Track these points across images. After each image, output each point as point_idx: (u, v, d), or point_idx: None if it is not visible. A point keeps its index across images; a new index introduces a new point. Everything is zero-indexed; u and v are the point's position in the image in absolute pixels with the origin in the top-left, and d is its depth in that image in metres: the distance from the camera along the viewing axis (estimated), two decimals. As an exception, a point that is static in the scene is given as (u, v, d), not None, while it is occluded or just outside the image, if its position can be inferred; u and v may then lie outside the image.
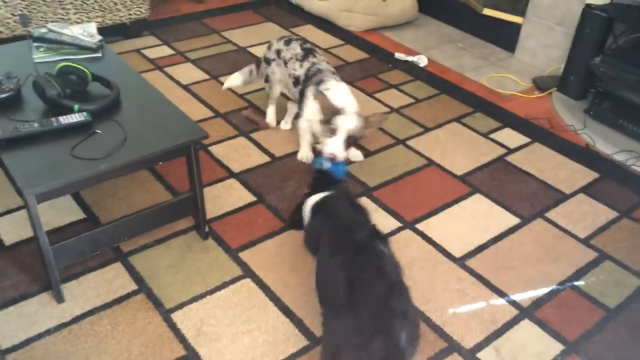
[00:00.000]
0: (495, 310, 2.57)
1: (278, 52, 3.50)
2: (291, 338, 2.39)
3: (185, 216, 2.85)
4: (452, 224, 3.04)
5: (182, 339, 2.37)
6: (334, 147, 2.91)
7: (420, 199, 3.19)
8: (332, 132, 2.92)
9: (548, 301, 2.62)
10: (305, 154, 3.41)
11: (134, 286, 2.58)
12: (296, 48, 3.43)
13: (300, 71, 3.34)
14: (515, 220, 3.08)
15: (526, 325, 2.51)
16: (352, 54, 4.80)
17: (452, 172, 3.42)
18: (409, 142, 3.68)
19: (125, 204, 3.00)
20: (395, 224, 3.01)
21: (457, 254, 2.85)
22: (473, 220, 3.07)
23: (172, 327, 2.41)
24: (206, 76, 4.31)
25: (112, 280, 2.60)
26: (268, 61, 3.57)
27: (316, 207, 2.53)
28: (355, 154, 3.44)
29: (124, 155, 2.35)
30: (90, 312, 2.45)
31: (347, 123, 2.92)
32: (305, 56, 3.37)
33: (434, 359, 2.34)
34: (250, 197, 3.14)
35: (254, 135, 3.66)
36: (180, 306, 2.51)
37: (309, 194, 2.62)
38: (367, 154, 3.53)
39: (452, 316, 2.53)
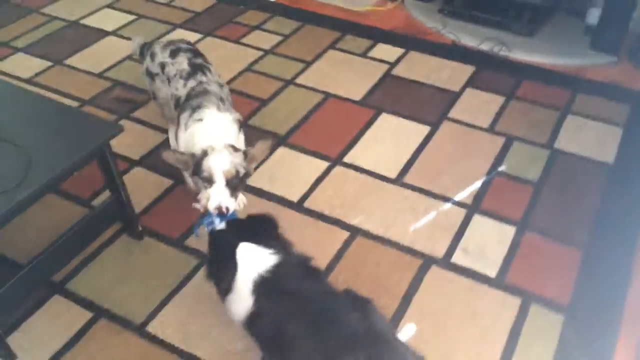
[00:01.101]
0: (447, 215, 2.71)
1: (162, 66, 2.70)
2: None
3: (114, 222, 2.54)
4: (374, 149, 3.08)
5: (172, 349, 2.17)
6: (217, 197, 2.17)
7: (334, 134, 3.18)
8: (208, 180, 2.20)
9: (485, 192, 2.82)
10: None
11: (88, 314, 2.28)
12: (183, 62, 2.65)
13: (182, 91, 2.57)
14: (426, 128, 3.22)
15: (478, 219, 2.69)
16: (197, 2, 4.47)
17: (351, 99, 3.44)
18: (297, 81, 3.60)
19: (40, 234, 2.56)
20: (324, 164, 2.98)
21: (392, 175, 2.92)
22: (390, 139, 3.15)
23: (155, 340, 2.20)
24: (48, 63, 3.75)
25: (59, 316, 2.27)
26: (151, 75, 2.77)
27: (260, 287, 1.84)
28: (240, 199, 2.59)
29: (37, 176, 1.99)
30: (56, 358, 2.13)
31: (219, 164, 2.19)
32: (193, 73, 2.60)
33: (418, 278, 2.43)
34: (165, 181, 2.89)
35: (135, 114, 3.32)
36: (152, 316, 2.28)
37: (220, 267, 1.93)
38: (261, 104, 3.40)
39: (415, 233, 2.62)
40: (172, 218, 2.69)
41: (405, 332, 2.24)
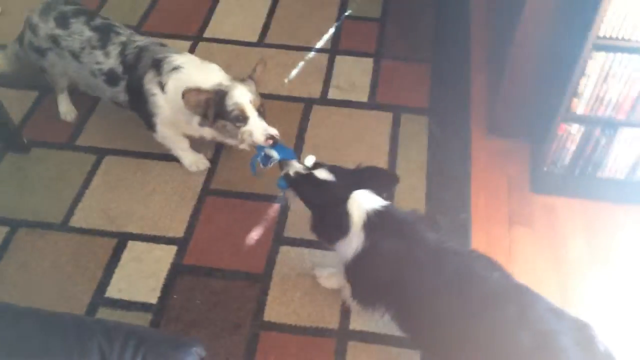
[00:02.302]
0: (313, 62, 2.96)
1: (54, 39, 2.32)
2: (193, 175, 2.48)
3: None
4: (229, 21, 3.18)
5: (102, 233, 2.28)
6: (260, 128, 2.04)
7: (185, 14, 3.21)
8: (239, 118, 2.05)
9: (339, 36, 3.10)
10: (194, 160, 2.47)
11: (3, 229, 2.28)
12: (83, 31, 2.27)
13: (110, 61, 2.24)
14: (272, -8, 3.38)
15: (340, 59, 2.98)
16: None
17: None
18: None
19: None
20: (187, 43, 3.04)
21: (254, 39, 3.09)
22: (241, 9, 3.26)
23: (82, 231, 2.28)
24: None
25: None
26: (40, 51, 2.40)
27: (372, 228, 1.73)
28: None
29: None
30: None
31: (244, 96, 2.05)
32: (105, 37, 2.26)
33: (305, 118, 2.70)
34: (31, 94, 2.78)
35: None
36: (70, 213, 2.34)
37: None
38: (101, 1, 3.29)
39: (290, 84, 2.86)
40: (51, 126, 2.65)
41: (307, 162, 2.53)
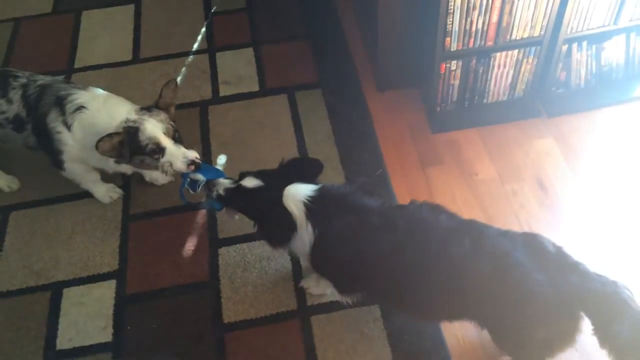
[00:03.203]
0: (195, 64, 2.95)
1: None
2: (109, 206, 2.42)
3: None
4: (97, 45, 3.08)
5: (34, 289, 2.17)
6: (180, 156, 1.99)
7: (50, 50, 3.08)
8: (155, 151, 1.98)
9: (212, 33, 3.10)
10: (106, 190, 2.42)
11: None
12: None
13: (14, 107, 2.13)
14: (131, 7, 3.26)
15: (220, 56, 2.98)
16: None
17: (44, 13, 3.28)
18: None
19: None
20: (60, 78, 2.91)
21: (128, 57, 3.02)
22: (106, 30, 3.15)
23: (11, 294, 2.17)
24: None
25: None
26: None
27: (317, 213, 1.75)
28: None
29: None
30: None
31: (155, 128, 1.99)
32: (3, 85, 2.14)
33: (204, 120, 2.70)
34: None
35: None
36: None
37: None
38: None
39: (180, 90, 2.83)
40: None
41: (220, 162, 2.55)
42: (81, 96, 2.10)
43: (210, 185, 1.93)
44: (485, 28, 2.31)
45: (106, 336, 2.05)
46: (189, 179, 2.03)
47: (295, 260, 2.22)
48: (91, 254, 2.27)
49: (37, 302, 2.14)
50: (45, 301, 2.14)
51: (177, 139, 2.05)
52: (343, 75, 2.87)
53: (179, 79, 2.88)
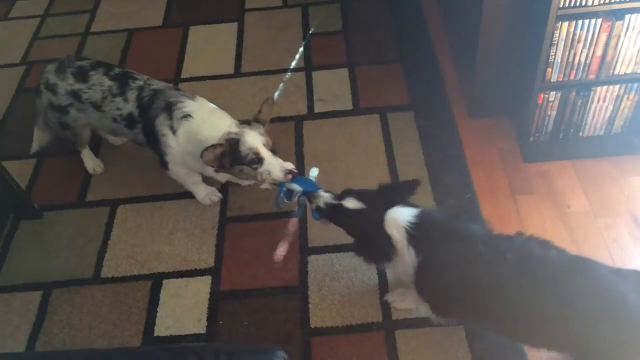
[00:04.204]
0: (292, 81, 3.11)
1: (75, 94, 2.40)
2: (207, 208, 2.57)
3: (8, 212, 2.48)
4: (201, 59, 3.30)
5: (137, 277, 2.34)
6: (278, 166, 2.12)
7: (158, 61, 3.31)
8: (255, 161, 2.13)
9: (310, 53, 3.25)
10: (206, 193, 2.57)
11: (37, 294, 2.32)
12: (103, 81, 2.37)
13: (128, 106, 2.34)
14: (234, 25, 3.49)
15: (317, 75, 3.12)
16: None
17: (154, 26, 3.55)
18: (92, 30, 3.57)
19: None
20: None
21: (230, 71, 3.21)
22: (210, 45, 3.38)
23: (115, 280, 2.34)
24: None
25: (10, 310, 2.26)
26: (60, 109, 2.46)
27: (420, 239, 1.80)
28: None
29: None
30: (33, 344, 2.16)
31: (256, 140, 2.14)
32: (123, 84, 2.36)
33: (298, 134, 2.83)
34: (30, 161, 2.82)
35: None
36: (99, 265, 2.39)
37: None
38: (71, 61, 3.34)
39: (277, 104, 2.97)
40: (58, 188, 2.69)
41: (313, 174, 2.65)
42: (189, 105, 2.27)
43: (310, 196, 2.03)
44: (588, 61, 2.33)
45: (200, 328, 2.16)
46: (285, 189, 2.14)
47: (381, 274, 2.28)
48: (189, 250, 2.41)
49: (140, 290, 2.29)
50: (146, 289, 2.29)
51: (274, 151, 2.18)
52: (434, 99, 2.94)
53: (276, 94, 3.04)
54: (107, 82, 2.36)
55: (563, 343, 1.72)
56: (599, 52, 2.30)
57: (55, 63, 2.49)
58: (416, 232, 1.79)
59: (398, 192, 1.92)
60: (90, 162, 2.73)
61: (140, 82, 2.36)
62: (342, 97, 2.99)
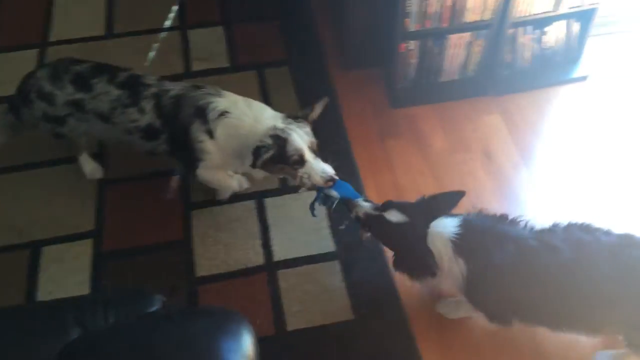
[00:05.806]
0: (167, 41, 3.09)
1: (76, 104, 2.16)
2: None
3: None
4: (71, 19, 3.17)
5: (14, 247, 2.29)
6: (320, 171, 2.01)
7: (22, 22, 3.15)
8: (298, 162, 2.01)
9: (185, 12, 3.23)
10: (235, 182, 2.41)
11: None
12: (109, 90, 2.13)
13: (147, 117, 2.12)
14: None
15: (192, 33, 3.13)
16: None
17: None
18: None
19: None
20: (33, 53, 3.00)
21: (102, 32, 3.12)
22: (79, 3, 3.25)
23: None
24: None
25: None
26: (57, 120, 2.22)
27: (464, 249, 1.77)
28: None
29: None
30: None
31: (301, 141, 2.01)
32: (135, 93, 2.12)
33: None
34: None
35: None
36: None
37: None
38: None
39: (153, 65, 2.96)
40: None
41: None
42: (220, 103, 2.11)
43: (349, 205, 1.95)
44: (441, 11, 2.52)
45: (84, 290, 2.19)
46: (322, 194, 2.06)
47: (263, 221, 2.41)
48: (70, 215, 2.41)
49: (19, 259, 2.27)
50: (25, 257, 2.28)
51: (315, 152, 2.07)
52: (310, 54, 3.05)
53: (151, 54, 3.01)
54: (115, 92, 2.14)
55: (622, 323, 1.79)
56: (449, 2, 2.49)
57: (47, 68, 2.24)
58: (462, 242, 1.77)
59: (441, 204, 1.87)
60: (88, 167, 2.51)
61: (154, 89, 2.14)
62: (219, 55, 3.03)
